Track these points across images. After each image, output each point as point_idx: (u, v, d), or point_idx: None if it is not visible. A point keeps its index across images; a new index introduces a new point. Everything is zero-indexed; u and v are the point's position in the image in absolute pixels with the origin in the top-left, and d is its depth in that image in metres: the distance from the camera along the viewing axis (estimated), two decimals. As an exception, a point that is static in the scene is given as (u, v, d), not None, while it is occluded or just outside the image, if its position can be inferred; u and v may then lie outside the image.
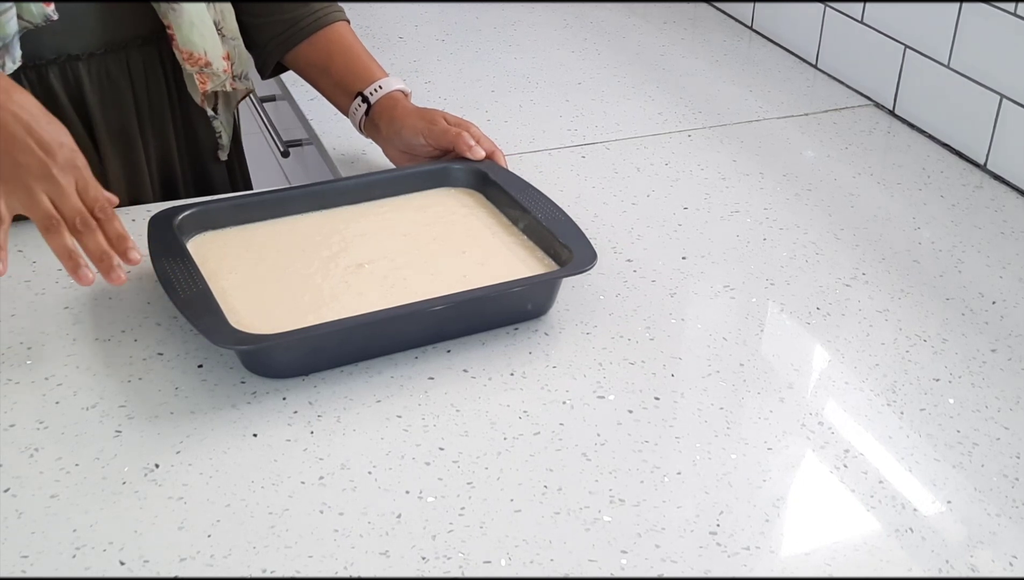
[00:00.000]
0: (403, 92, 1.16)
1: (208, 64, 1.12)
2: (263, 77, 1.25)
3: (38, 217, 0.87)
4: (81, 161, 0.90)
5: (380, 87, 1.15)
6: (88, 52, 1.09)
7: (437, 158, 1.12)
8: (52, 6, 1.01)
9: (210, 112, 1.18)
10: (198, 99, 1.15)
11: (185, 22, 1.09)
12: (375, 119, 1.15)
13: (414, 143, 1.12)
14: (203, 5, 1.11)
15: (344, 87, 1.18)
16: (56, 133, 0.89)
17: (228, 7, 1.15)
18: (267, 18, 1.19)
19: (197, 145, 1.22)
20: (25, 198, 0.87)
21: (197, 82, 1.13)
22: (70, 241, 0.88)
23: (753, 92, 1.48)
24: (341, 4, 1.23)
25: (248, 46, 1.21)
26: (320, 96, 1.23)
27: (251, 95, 1.63)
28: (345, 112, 1.19)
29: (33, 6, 1.01)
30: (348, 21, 1.22)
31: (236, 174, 1.28)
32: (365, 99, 1.15)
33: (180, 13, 1.09)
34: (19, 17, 1.01)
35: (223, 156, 1.23)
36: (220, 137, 1.21)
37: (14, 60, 1.01)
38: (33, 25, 1.02)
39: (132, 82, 1.13)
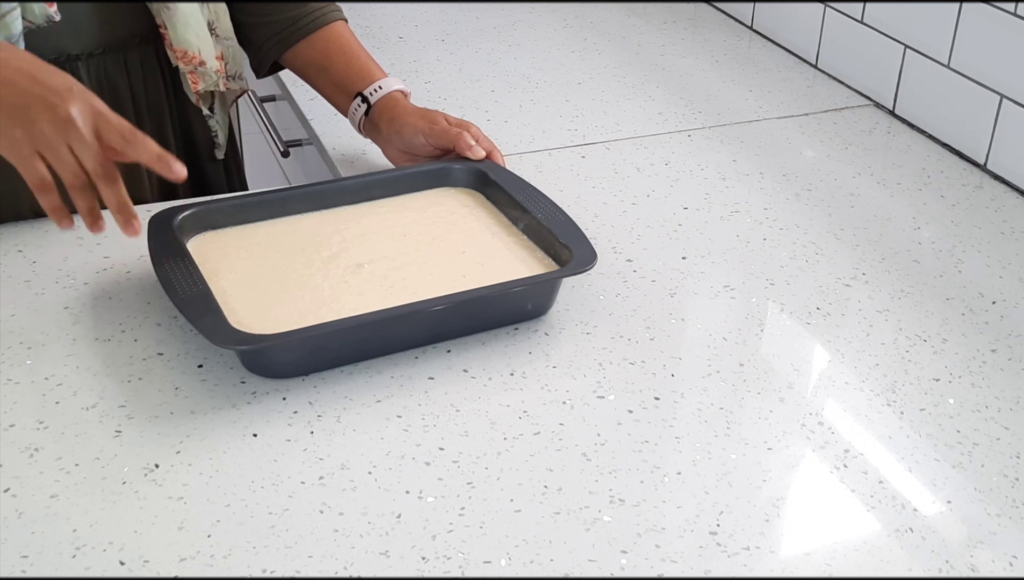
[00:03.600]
0: (403, 92, 1.16)
1: (202, 63, 1.12)
2: (258, 76, 1.25)
3: (66, 177, 0.87)
4: (92, 98, 0.88)
5: (380, 87, 1.15)
6: (87, 52, 1.09)
7: (437, 158, 1.12)
8: (55, 7, 1.02)
9: (206, 111, 1.18)
10: (193, 98, 1.15)
11: (180, 21, 1.09)
12: (375, 119, 1.15)
13: (414, 142, 1.12)
14: (197, 4, 1.11)
15: (343, 87, 1.18)
16: (63, 78, 0.88)
17: (222, 7, 1.15)
18: (264, 17, 1.19)
19: (194, 144, 1.22)
20: (51, 155, 0.86)
21: (189, 81, 1.13)
22: (93, 200, 0.88)
23: (753, 92, 1.48)
24: (340, 4, 1.23)
25: (244, 45, 1.21)
26: (320, 96, 1.23)
27: (251, 95, 1.63)
28: (344, 112, 1.19)
29: (36, 7, 1.01)
30: (346, 20, 1.22)
31: (232, 173, 1.28)
32: (365, 99, 1.15)
33: (174, 12, 1.09)
34: (22, 17, 1.01)
35: (219, 155, 1.23)
36: (216, 136, 1.21)
37: None
38: (35, 25, 1.02)
39: (130, 82, 1.13)
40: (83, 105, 0.86)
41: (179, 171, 0.88)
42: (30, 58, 0.90)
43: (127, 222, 0.88)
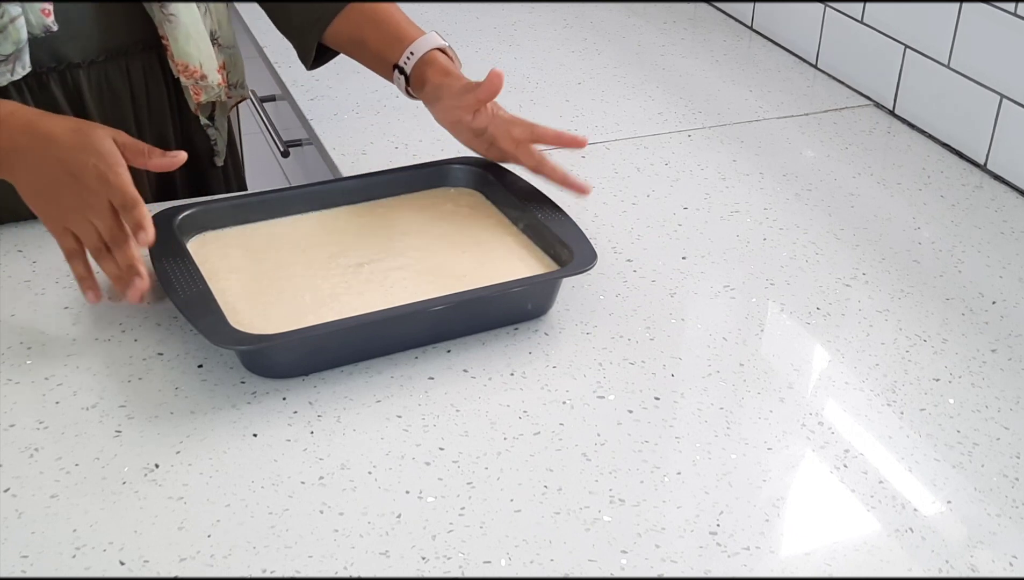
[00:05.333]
0: (441, 49, 1.11)
1: (203, 77, 1.11)
2: (308, 67, 1.20)
3: (88, 245, 0.92)
4: (106, 160, 0.91)
5: (412, 53, 1.10)
6: (88, 59, 1.08)
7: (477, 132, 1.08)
8: (51, 17, 1.01)
9: (204, 120, 1.17)
10: (193, 107, 1.15)
11: (181, 33, 1.09)
12: (416, 87, 1.11)
13: (458, 104, 1.07)
14: (198, 15, 1.10)
15: (382, 60, 1.13)
16: (83, 156, 0.90)
17: (225, 15, 1.15)
18: (298, 2, 1.15)
19: (194, 150, 1.21)
20: (76, 229, 0.91)
21: (192, 94, 1.13)
22: (115, 266, 0.92)
23: (753, 92, 1.48)
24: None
25: (287, 34, 1.17)
26: (320, 96, 1.23)
27: (251, 95, 1.63)
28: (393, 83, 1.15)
29: (32, 16, 1.00)
30: None
31: (231, 177, 1.28)
32: (401, 70, 1.11)
33: (176, 24, 1.08)
34: None
35: (219, 162, 1.23)
36: (215, 144, 1.21)
37: (24, 66, 1.01)
38: (33, 36, 1.02)
39: (132, 88, 1.13)
40: (97, 180, 0.90)
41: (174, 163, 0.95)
42: (58, 130, 0.92)
43: (130, 284, 0.90)
